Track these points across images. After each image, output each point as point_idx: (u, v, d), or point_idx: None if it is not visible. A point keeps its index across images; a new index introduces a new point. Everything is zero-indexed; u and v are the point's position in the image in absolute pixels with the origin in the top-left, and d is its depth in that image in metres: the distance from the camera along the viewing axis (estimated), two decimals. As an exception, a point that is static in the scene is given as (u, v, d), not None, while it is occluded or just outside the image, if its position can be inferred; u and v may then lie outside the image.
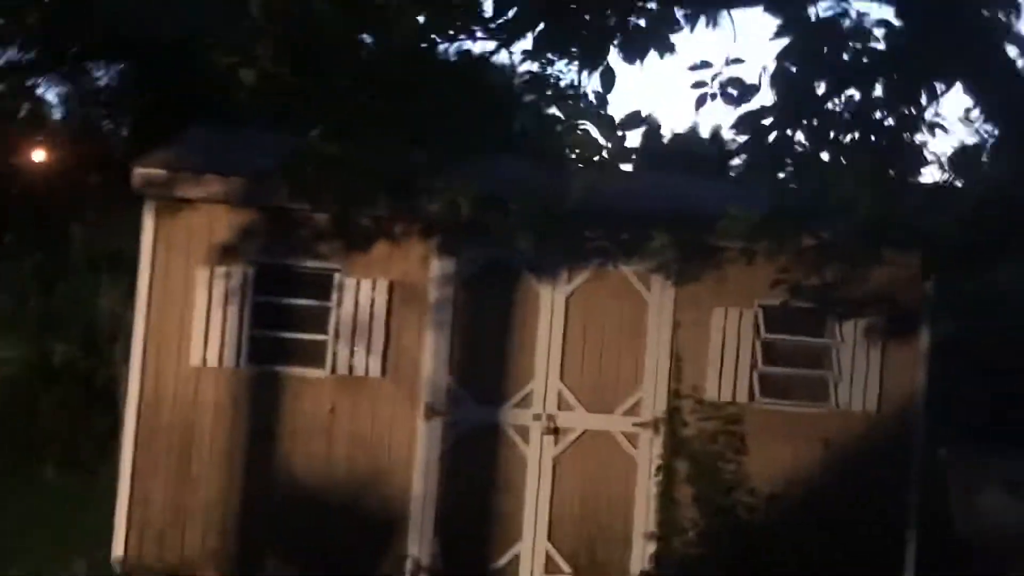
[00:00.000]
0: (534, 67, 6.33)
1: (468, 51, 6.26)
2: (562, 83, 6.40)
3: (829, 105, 4.82)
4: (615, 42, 3.44)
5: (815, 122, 4.82)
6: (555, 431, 7.97)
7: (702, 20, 4.36)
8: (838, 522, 8.07)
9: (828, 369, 8.31)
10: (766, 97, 5.24)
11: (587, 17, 3.39)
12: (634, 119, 3.80)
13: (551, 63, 6.40)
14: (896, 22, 4.47)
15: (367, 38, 5.23)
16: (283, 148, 7.16)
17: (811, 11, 4.32)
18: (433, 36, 5.52)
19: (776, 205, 5.64)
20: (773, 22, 4.48)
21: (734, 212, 5.85)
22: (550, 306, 8.03)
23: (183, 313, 7.68)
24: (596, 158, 3.92)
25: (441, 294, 7.93)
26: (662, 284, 8.10)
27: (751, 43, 4.55)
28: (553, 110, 6.58)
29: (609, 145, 3.82)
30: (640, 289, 8.12)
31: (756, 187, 9.05)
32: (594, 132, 3.94)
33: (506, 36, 5.74)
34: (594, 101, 6.23)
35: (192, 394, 7.70)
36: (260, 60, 3.83)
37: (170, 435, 7.66)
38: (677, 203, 8.70)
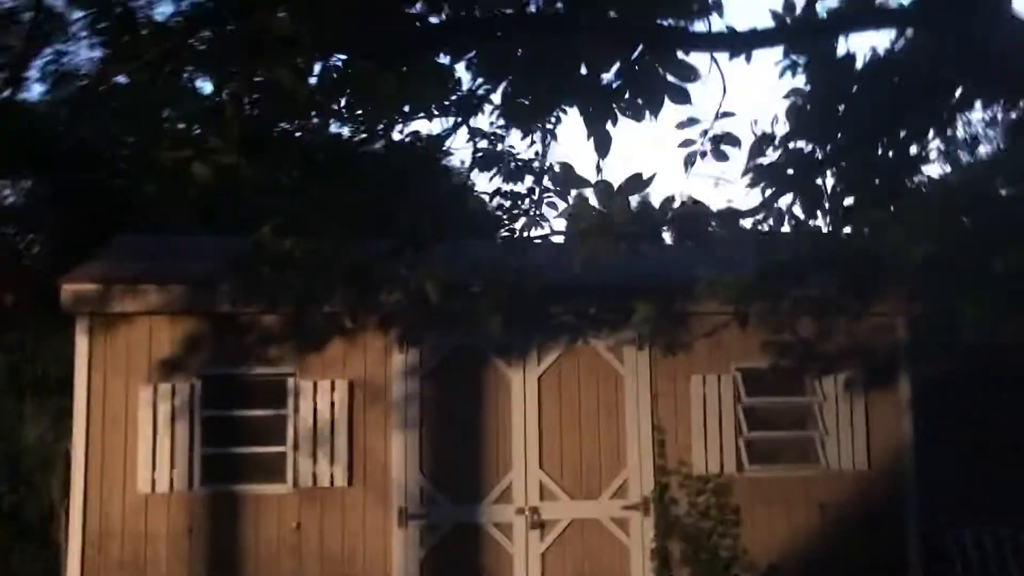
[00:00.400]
0: (487, 142, 6.09)
1: (420, 135, 5.96)
2: (522, 156, 6.17)
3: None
4: (619, 99, 3.13)
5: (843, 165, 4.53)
6: (540, 524, 7.45)
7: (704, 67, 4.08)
8: (843, 589, 7.68)
9: (814, 428, 7.99)
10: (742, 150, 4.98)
11: (583, 71, 3.07)
12: (635, 183, 3.46)
13: (503, 135, 6.14)
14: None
15: (323, 123, 4.83)
16: (222, 252, 6.68)
17: (833, 46, 4.08)
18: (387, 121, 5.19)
19: (771, 262, 5.34)
20: (756, 70, 4.24)
21: (725, 277, 5.53)
22: (522, 390, 7.59)
23: (127, 436, 7.03)
24: (593, 226, 3.56)
25: (405, 389, 7.43)
26: (636, 356, 7.73)
27: (736, 95, 4.30)
28: (513, 186, 6.32)
29: (606, 211, 3.46)
30: (614, 363, 7.74)
31: (713, 251, 8.93)
32: (592, 200, 3.58)
33: (467, 109, 5.44)
34: (557, 171, 6.02)
35: (142, 524, 7.00)
36: (215, 152, 3.40)
37: (121, 572, 6.93)
38: (648, 273, 8.40)
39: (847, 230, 5.97)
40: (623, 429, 7.69)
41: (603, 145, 3.41)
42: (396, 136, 5.59)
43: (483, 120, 6.18)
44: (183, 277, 7.24)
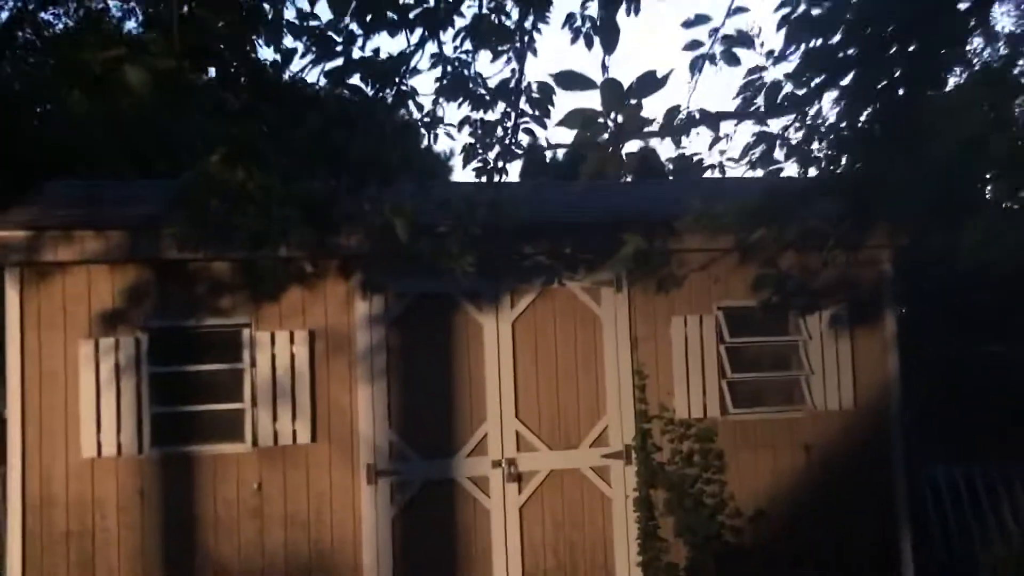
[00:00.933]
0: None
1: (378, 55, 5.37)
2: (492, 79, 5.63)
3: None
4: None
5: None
6: (518, 477, 7.04)
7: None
8: (830, 534, 7.41)
9: (799, 369, 7.65)
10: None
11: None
12: (649, 82, 2.97)
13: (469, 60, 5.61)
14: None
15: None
16: (164, 195, 6.07)
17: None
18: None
19: (775, 187, 4.91)
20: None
21: (720, 205, 5.09)
22: (495, 336, 7.13)
23: (67, 397, 6.45)
24: (605, 137, 3.06)
25: (371, 339, 6.93)
26: (614, 298, 7.31)
27: None
28: (484, 114, 5.80)
29: (619, 119, 2.98)
30: (591, 306, 7.31)
31: (694, 185, 8.52)
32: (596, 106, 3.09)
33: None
34: (536, 94, 5.49)
35: (89, 492, 6.45)
36: (152, 50, 2.86)
37: (67, 544, 6.40)
38: (628, 206, 7.97)
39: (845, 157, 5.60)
40: (602, 375, 7.28)
41: (610, 37, 2.91)
42: (355, 54, 5.00)
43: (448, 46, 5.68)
44: (123, 222, 6.62)
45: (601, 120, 3.03)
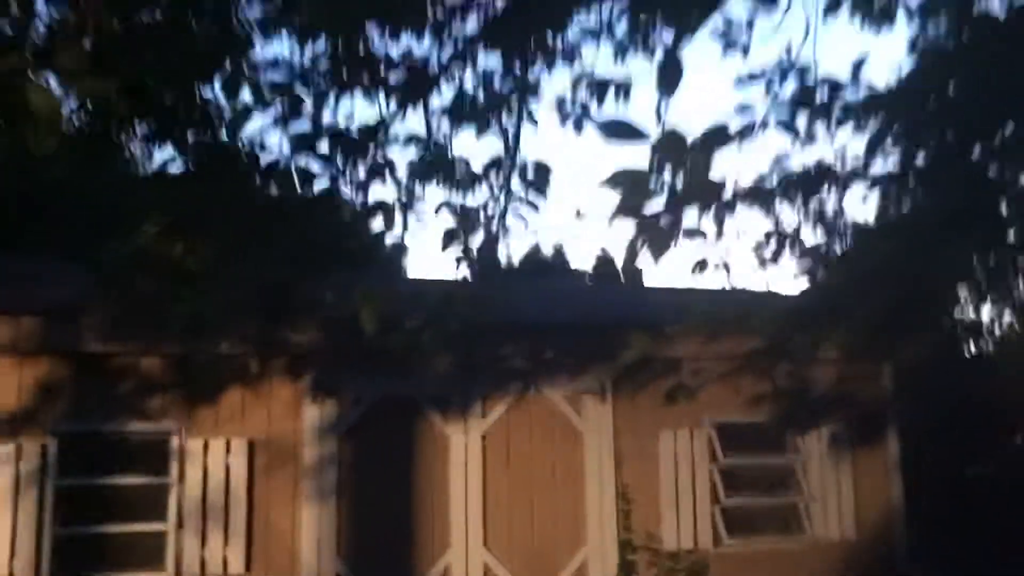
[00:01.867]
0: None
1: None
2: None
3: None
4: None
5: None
6: (486, 616, 6.09)
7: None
8: None
9: (798, 493, 6.89)
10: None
11: None
12: (719, 136, 2.31)
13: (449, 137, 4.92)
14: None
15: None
16: (86, 273, 5.21)
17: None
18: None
19: (829, 286, 4.24)
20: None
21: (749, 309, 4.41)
22: (463, 450, 6.25)
23: (-48, 514, 5.38)
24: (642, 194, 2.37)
25: (320, 450, 6.01)
26: (597, 409, 6.52)
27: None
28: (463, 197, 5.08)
29: (678, 179, 2.28)
30: (571, 417, 6.50)
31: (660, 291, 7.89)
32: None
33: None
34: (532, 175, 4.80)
35: (-30, 632, 5.33)
36: (64, 62, 2.09)
37: None
38: (617, 310, 7.26)
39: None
40: (582, 497, 6.43)
41: (672, 76, 2.24)
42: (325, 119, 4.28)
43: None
44: (37, 306, 5.68)
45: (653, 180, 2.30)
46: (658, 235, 2.52)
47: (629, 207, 2.47)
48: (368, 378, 6.05)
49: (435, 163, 4.86)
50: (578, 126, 4.97)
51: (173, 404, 5.85)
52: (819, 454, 6.94)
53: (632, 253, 2.60)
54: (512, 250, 6.14)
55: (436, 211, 5.00)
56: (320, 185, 4.38)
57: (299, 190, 4.48)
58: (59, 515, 5.52)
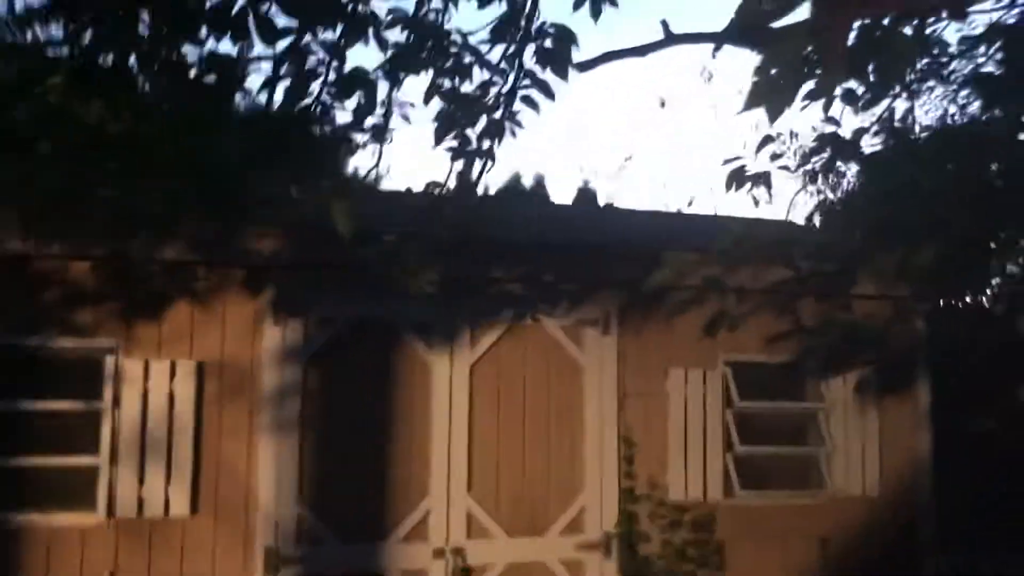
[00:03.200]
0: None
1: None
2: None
3: None
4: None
5: None
6: (467, 572, 5.34)
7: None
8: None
9: (818, 444, 6.17)
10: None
11: None
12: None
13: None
14: None
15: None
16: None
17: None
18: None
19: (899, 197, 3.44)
20: None
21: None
22: (447, 383, 5.45)
23: None
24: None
25: (281, 377, 5.18)
26: (599, 341, 5.72)
27: None
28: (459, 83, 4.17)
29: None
30: (571, 350, 5.70)
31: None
32: None
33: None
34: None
35: None
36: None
37: None
38: (624, 230, 6.42)
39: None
40: (581, 440, 5.67)
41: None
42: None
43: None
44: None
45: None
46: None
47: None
48: (339, 296, 5.21)
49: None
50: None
51: (109, 318, 4.98)
52: (843, 402, 6.20)
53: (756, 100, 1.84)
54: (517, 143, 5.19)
55: (426, 99, 4.09)
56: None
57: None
58: (-31, 444, 4.69)
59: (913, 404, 6.37)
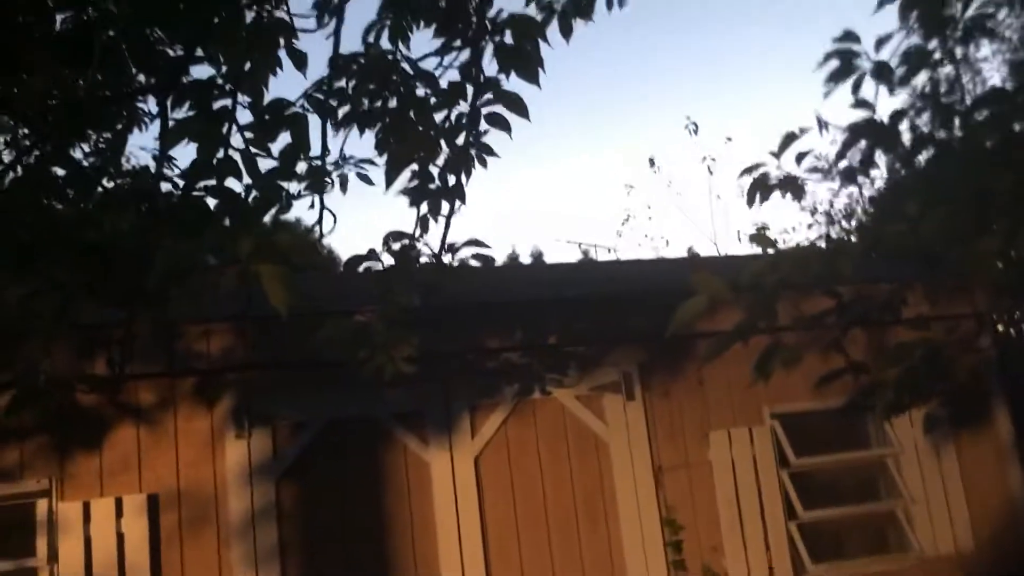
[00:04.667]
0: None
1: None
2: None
3: None
4: None
5: None
6: None
7: None
8: None
9: (894, 497, 5.26)
10: None
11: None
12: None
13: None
14: None
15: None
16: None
17: None
18: None
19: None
20: None
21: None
22: (450, 481, 4.58)
23: None
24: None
25: (251, 501, 4.33)
26: (623, 408, 4.87)
27: None
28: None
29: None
30: (591, 423, 4.84)
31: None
32: None
33: None
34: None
35: None
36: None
37: None
38: (639, 276, 5.62)
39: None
40: (615, 527, 4.76)
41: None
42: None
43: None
44: None
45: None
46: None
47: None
48: (309, 396, 4.39)
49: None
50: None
51: (36, 456, 4.16)
52: (914, 445, 5.31)
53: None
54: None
55: (378, 130, 3.32)
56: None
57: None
58: None
59: (993, 438, 5.48)
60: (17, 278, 2.81)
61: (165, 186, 2.98)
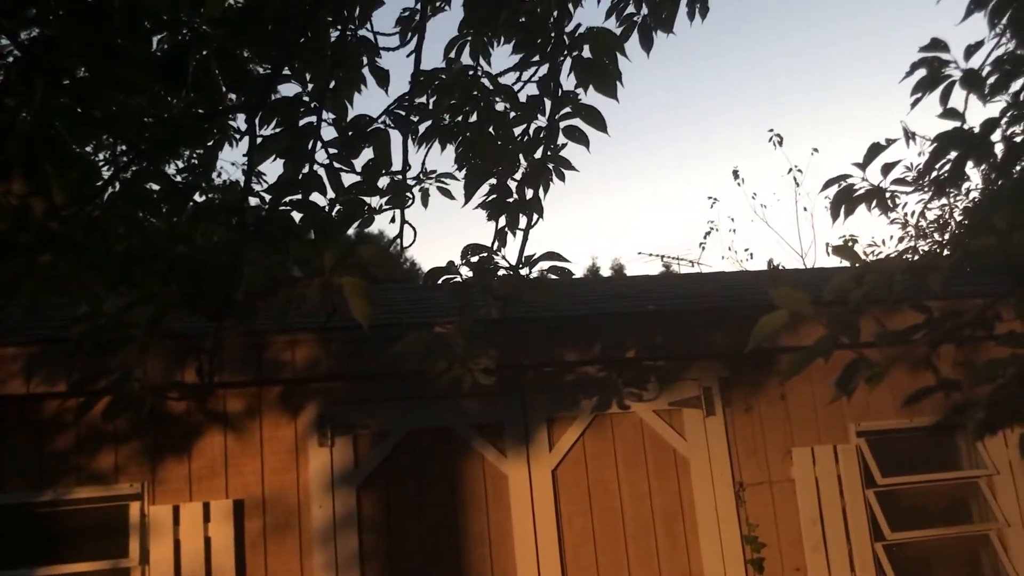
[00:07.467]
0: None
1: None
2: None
3: None
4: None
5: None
6: None
7: None
8: None
9: (988, 520, 5.08)
10: None
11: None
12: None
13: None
14: None
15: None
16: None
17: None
18: None
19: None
20: None
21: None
22: (528, 493, 4.60)
23: None
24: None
25: (333, 508, 4.41)
26: (703, 424, 4.82)
27: None
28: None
29: None
30: (670, 437, 4.81)
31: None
32: None
33: None
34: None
35: None
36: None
37: None
38: (726, 288, 5.58)
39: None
40: (695, 545, 4.71)
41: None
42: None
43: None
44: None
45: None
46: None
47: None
48: (390, 406, 4.46)
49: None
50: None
51: (130, 460, 4.32)
52: (1009, 465, 5.13)
53: None
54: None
55: (457, 145, 3.39)
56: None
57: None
58: (-25, 625, 4.01)
59: (1095, 459, 5.25)
60: (114, 290, 2.93)
61: (253, 200, 3.11)
